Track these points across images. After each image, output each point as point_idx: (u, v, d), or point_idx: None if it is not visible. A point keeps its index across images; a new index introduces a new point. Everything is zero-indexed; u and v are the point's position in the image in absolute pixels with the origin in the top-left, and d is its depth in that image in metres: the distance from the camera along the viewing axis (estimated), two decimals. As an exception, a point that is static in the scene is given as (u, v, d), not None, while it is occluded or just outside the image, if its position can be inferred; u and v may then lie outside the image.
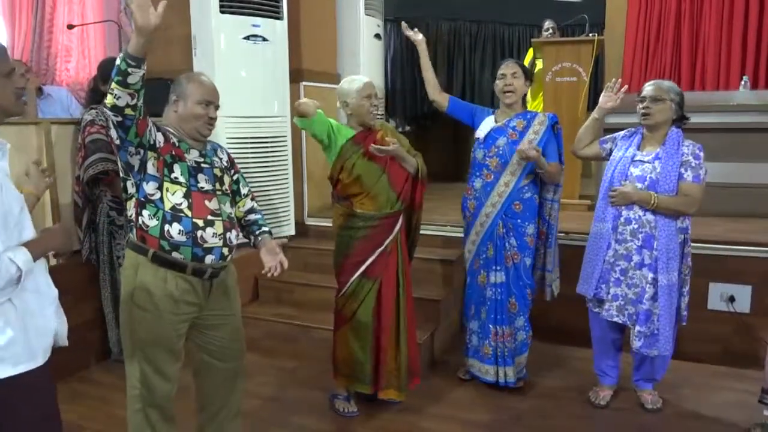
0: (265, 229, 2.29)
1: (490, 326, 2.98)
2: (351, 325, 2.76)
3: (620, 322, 2.74)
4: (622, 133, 2.86)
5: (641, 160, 2.67)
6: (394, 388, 2.80)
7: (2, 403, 1.46)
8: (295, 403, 3.00)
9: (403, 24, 3.10)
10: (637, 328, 2.66)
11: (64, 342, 1.65)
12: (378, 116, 2.87)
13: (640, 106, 2.66)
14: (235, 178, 2.25)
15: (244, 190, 2.30)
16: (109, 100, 1.78)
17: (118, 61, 1.73)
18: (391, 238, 2.73)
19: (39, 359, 1.52)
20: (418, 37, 3.04)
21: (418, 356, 2.94)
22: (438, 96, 3.07)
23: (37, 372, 1.51)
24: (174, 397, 2.13)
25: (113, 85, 1.75)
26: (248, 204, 2.31)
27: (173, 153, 2.01)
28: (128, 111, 1.80)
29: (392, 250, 2.76)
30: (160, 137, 1.99)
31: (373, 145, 2.62)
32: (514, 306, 2.96)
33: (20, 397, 1.48)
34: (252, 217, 2.29)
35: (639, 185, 2.63)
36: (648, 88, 2.68)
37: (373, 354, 2.76)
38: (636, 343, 2.66)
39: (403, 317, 2.79)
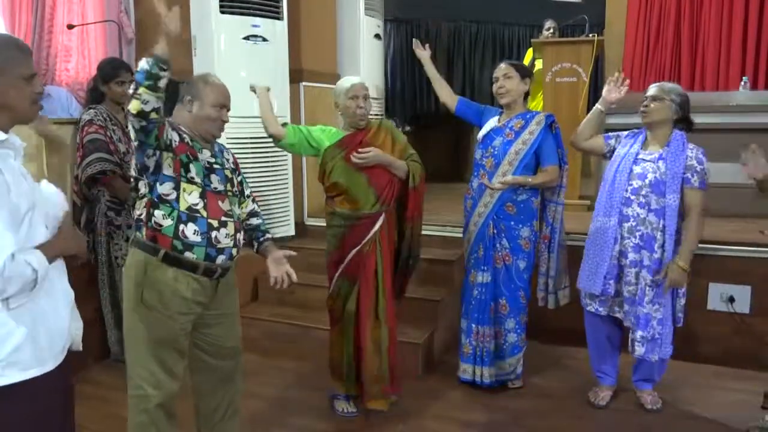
0: (268, 235, 2.32)
1: (473, 325, 2.98)
2: (338, 326, 2.77)
3: (619, 317, 2.76)
4: (626, 132, 2.87)
5: (644, 159, 2.68)
6: (380, 398, 2.75)
7: (9, 407, 1.43)
8: (295, 404, 2.99)
9: (415, 41, 3.17)
10: (639, 333, 2.65)
11: (78, 347, 1.62)
12: (377, 116, 2.87)
13: (642, 104, 2.69)
14: (239, 179, 2.26)
15: (246, 192, 2.31)
16: (135, 105, 1.79)
17: (146, 66, 1.77)
18: (368, 238, 2.68)
19: (48, 365, 1.48)
20: (424, 53, 3.11)
21: (397, 362, 2.81)
22: (449, 99, 3.11)
23: (46, 377, 1.47)
24: (176, 395, 2.13)
25: (142, 90, 1.77)
26: (250, 206, 2.32)
27: (188, 153, 2.02)
28: (153, 115, 1.82)
29: (370, 251, 2.70)
30: (175, 136, 2.00)
31: (354, 154, 2.63)
32: (504, 308, 2.95)
33: (26, 402, 1.44)
34: (254, 221, 2.32)
35: (639, 182, 2.64)
36: (651, 89, 2.71)
37: (354, 357, 2.76)
38: (639, 349, 2.66)
39: (383, 322, 2.72)
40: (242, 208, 2.28)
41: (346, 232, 2.69)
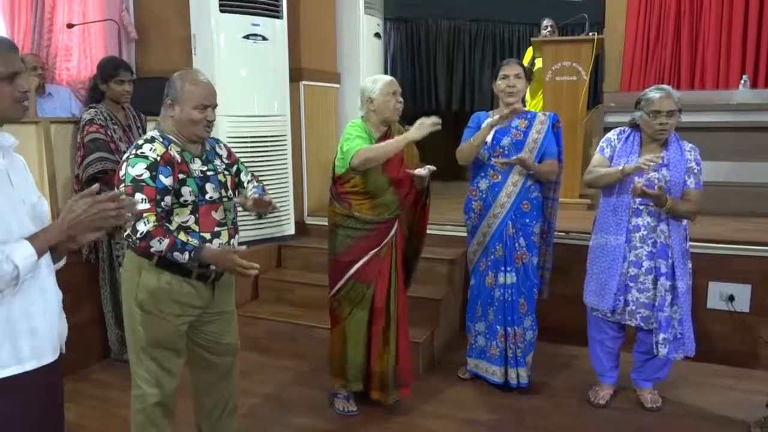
0: (262, 192, 2.20)
1: (498, 327, 2.97)
2: (346, 327, 2.76)
3: (633, 325, 2.75)
4: (615, 134, 2.78)
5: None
6: (381, 390, 2.79)
7: None
8: (295, 403, 3.00)
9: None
10: (661, 335, 2.64)
11: (61, 349, 1.55)
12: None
13: (657, 120, 2.58)
14: (234, 170, 2.20)
15: (246, 178, 2.24)
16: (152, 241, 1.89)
17: (185, 257, 1.89)
18: (386, 241, 2.72)
19: (28, 364, 1.41)
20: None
21: (410, 364, 2.88)
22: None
23: (26, 376, 1.40)
24: (174, 392, 2.15)
25: (165, 253, 1.90)
26: (251, 186, 2.23)
27: (180, 174, 1.96)
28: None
29: (387, 254, 2.73)
30: (170, 178, 1.92)
31: (410, 171, 2.67)
32: (523, 306, 2.96)
33: (2, 399, 1.38)
34: (252, 186, 2.23)
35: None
36: (663, 102, 2.58)
37: (366, 355, 2.77)
38: (662, 350, 2.64)
39: (393, 321, 2.76)
40: (244, 192, 2.21)
41: (366, 234, 2.68)
